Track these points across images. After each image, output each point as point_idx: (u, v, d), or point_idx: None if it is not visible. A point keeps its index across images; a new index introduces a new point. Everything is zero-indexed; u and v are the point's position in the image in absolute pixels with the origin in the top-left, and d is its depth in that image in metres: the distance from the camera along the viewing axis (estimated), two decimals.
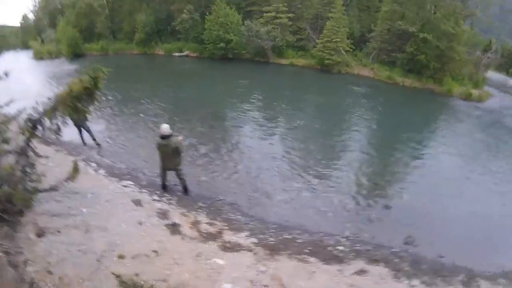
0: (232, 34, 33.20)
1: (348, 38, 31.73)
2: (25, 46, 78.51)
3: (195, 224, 7.32)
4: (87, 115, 6.75)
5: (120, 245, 5.89)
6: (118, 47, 43.41)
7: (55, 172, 8.56)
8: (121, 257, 5.59)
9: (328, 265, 6.33)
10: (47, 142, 11.50)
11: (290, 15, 34.18)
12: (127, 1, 44.25)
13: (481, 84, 31.38)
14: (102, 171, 9.67)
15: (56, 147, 11.56)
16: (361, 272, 6.19)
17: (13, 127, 7.07)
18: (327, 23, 31.19)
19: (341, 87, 25.73)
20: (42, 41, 57.32)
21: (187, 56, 37.83)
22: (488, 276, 6.52)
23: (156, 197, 8.28)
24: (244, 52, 34.45)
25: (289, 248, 6.79)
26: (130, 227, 6.63)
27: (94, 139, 11.83)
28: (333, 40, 29.96)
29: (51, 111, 5.66)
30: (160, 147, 7.92)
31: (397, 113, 19.68)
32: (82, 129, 11.53)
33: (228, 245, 6.62)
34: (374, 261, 6.56)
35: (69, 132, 12.26)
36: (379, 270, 6.31)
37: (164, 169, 8.39)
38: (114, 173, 9.65)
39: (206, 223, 7.48)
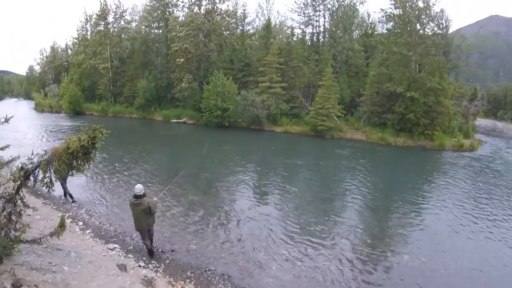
0: (228, 103, 34.51)
1: (339, 104, 32.87)
2: (28, 96, 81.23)
3: None
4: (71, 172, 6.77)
5: None
6: (118, 110, 45.10)
7: (40, 225, 8.42)
8: None
9: None
10: (36, 194, 11.45)
11: (284, 84, 36.03)
12: (131, 67, 47.00)
13: (471, 133, 32.41)
14: (88, 231, 9.47)
15: (45, 200, 11.55)
16: None
17: (4, 172, 7.09)
18: (318, 90, 32.65)
19: (334, 152, 26.05)
20: (45, 94, 59.49)
21: (184, 122, 38.91)
22: None
23: (142, 263, 8.05)
24: (240, 120, 35.52)
25: None
26: None
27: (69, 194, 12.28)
28: (325, 106, 31.01)
29: (45, 164, 5.65)
30: (133, 206, 8.15)
31: (391, 174, 19.85)
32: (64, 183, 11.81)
33: None
34: None
35: (60, 188, 12.16)
36: None
37: (139, 230, 8.40)
38: (101, 235, 9.50)
39: None
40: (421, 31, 32.38)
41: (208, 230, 10.58)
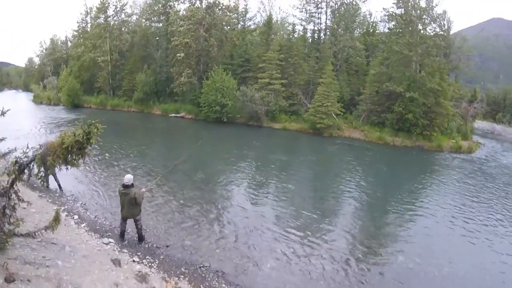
0: (227, 98, 34.44)
1: (338, 102, 32.84)
2: (26, 88, 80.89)
3: None
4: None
5: None
6: (116, 103, 44.84)
7: (35, 219, 8.39)
8: None
9: None
10: (32, 187, 11.39)
11: (283, 81, 35.91)
12: (130, 60, 46.75)
13: (469, 135, 32.51)
14: (83, 225, 9.43)
15: (41, 193, 11.45)
16: None
17: (1, 165, 6.96)
18: (318, 88, 32.63)
19: (332, 150, 26.09)
20: (44, 86, 59.42)
21: (182, 117, 38.81)
22: None
23: (136, 259, 8.03)
24: (239, 116, 35.47)
25: None
26: (105, 287, 6.26)
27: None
28: (324, 104, 31.01)
29: (40, 159, 5.66)
30: (121, 195, 8.46)
31: (387, 173, 19.80)
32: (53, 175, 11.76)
33: None
34: None
35: (55, 181, 12.20)
36: None
37: (123, 218, 8.72)
38: (95, 229, 9.46)
39: None
40: (422, 32, 32.33)
41: (203, 226, 10.50)
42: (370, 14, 48.56)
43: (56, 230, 6.49)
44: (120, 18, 49.99)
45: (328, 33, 41.72)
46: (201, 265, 8.29)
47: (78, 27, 58.51)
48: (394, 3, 33.03)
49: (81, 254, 7.29)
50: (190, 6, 41.85)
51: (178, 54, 39.20)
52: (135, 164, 17.09)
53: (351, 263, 8.89)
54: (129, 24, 51.30)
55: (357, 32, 45.48)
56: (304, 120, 33.79)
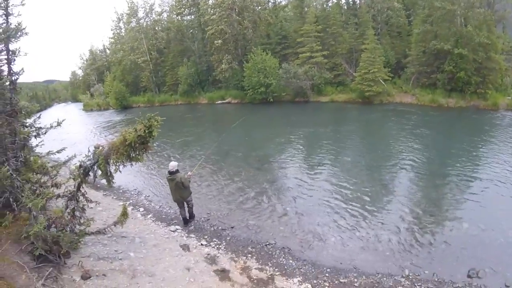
0: (271, 78, 34.40)
1: (385, 67, 31.40)
2: (74, 99, 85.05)
3: (245, 269, 7.12)
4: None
5: None
6: (163, 99, 46.75)
7: (103, 216, 9.13)
8: None
9: None
10: (96, 187, 11.96)
11: (325, 52, 35.10)
12: (169, 56, 48.23)
13: None
14: (150, 216, 10.06)
15: (105, 191, 12.37)
16: None
17: (63, 172, 7.35)
18: (361, 55, 31.45)
19: (384, 118, 25.23)
20: (91, 95, 62.39)
21: (229, 103, 39.50)
22: None
23: (204, 242, 8.32)
24: (284, 94, 35.42)
25: None
26: (177, 272, 6.47)
27: None
28: (371, 71, 29.85)
29: (103, 159, 5.74)
30: (168, 181, 9.14)
31: (444, 137, 18.78)
32: None
33: None
34: None
35: (118, 178, 12.99)
36: None
37: (175, 201, 9.39)
38: (161, 218, 9.96)
39: (257, 268, 7.22)
40: None
41: (264, 205, 10.71)
42: None
43: (125, 224, 6.85)
44: (151, 18, 51.50)
45: None
46: (267, 243, 8.44)
47: (113, 34, 61.02)
48: None
49: (151, 243, 7.70)
50: None
51: (216, 42, 39.74)
52: (188, 152, 18.10)
53: (416, 233, 8.66)
54: (162, 22, 52.63)
55: None
56: (352, 90, 32.90)
